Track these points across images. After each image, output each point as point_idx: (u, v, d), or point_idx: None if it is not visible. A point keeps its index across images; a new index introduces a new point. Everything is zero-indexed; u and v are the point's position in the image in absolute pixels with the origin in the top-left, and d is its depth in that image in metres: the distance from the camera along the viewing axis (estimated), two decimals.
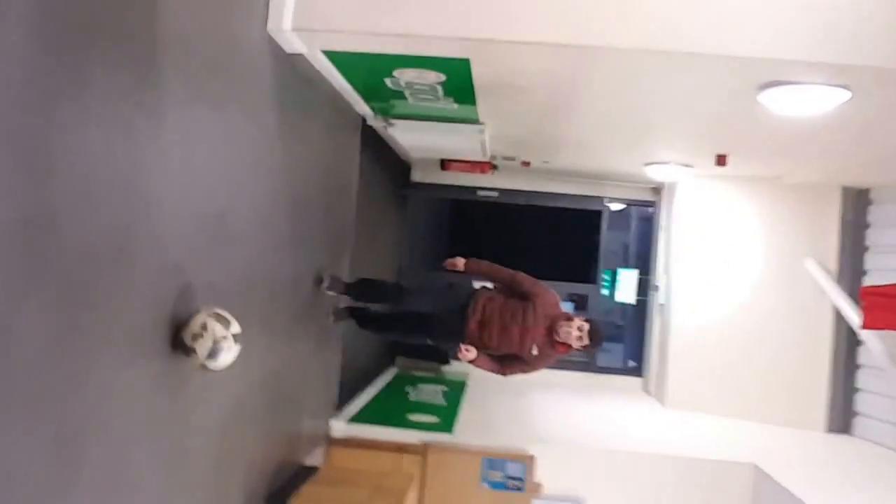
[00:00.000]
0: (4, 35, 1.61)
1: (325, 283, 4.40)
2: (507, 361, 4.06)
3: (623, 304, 8.61)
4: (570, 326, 3.82)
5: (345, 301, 4.81)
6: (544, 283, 4.06)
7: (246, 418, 3.38)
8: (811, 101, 3.42)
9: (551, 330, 3.89)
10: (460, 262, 4.11)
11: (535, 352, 3.93)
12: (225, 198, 2.92)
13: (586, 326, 3.83)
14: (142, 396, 2.37)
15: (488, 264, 4.15)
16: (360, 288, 4.72)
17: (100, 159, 2.01)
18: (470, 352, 3.93)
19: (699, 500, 4.97)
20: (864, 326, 5.15)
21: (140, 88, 2.18)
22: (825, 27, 2.94)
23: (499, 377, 4.18)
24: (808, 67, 3.04)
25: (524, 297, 3.97)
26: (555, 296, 4.05)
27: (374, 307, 4.87)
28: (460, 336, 4.00)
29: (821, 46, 2.90)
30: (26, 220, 1.72)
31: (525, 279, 4.02)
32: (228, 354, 2.55)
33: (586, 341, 3.84)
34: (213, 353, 2.50)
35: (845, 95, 3.35)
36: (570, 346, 3.89)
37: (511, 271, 4.08)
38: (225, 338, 2.52)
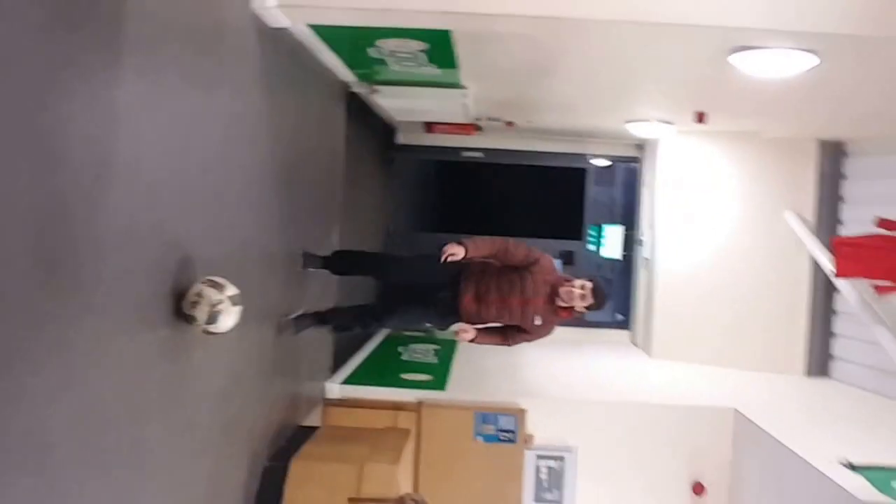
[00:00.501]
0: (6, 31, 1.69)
1: (301, 263, 4.22)
2: (510, 332, 3.95)
3: (610, 259, 8.77)
4: (573, 286, 3.74)
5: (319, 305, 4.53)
6: (537, 248, 3.90)
7: (246, 384, 3.51)
8: (781, 65, 3.46)
9: (552, 296, 3.78)
10: (459, 251, 3.68)
11: (537, 322, 3.83)
12: (217, 174, 3.00)
13: (589, 285, 3.74)
14: (150, 366, 2.49)
15: (489, 244, 3.81)
16: (339, 260, 4.53)
17: (101, 147, 2.10)
18: (468, 333, 3.82)
19: (683, 445, 5.16)
20: (838, 275, 5.31)
21: (132, 72, 2.24)
22: None
23: None
24: (773, 34, 3.09)
25: (520, 266, 3.82)
26: (551, 260, 3.92)
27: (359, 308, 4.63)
28: (456, 313, 3.87)
29: (785, 14, 2.93)
30: (37, 209, 1.83)
31: (517, 249, 3.81)
32: (228, 317, 2.61)
33: (590, 300, 3.73)
34: (212, 318, 2.56)
35: (814, 60, 3.41)
36: (573, 310, 3.80)
37: (503, 242, 3.83)
38: (221, 301, 2.58)
